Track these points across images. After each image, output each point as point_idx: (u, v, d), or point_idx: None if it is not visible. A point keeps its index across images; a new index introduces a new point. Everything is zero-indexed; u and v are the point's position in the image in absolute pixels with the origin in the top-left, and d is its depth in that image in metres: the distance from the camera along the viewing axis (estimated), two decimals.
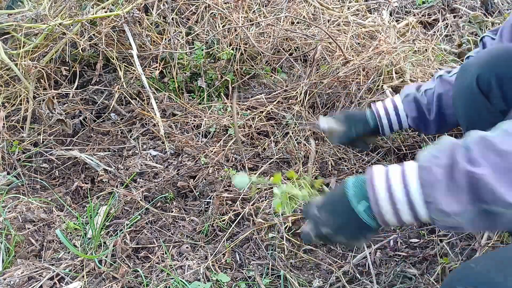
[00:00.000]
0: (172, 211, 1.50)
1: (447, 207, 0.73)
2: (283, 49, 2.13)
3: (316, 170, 1.63)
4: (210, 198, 1.52)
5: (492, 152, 0.72)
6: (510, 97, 0.82)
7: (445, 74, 1.39)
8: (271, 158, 1.68)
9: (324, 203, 0.89)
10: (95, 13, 1.89)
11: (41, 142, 1.78)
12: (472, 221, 0.73)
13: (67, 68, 1.95)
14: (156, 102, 1.84)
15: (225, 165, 1.64)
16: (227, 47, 2.02)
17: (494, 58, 1.18)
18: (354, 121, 1.49)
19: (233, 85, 1.99)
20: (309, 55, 2.07)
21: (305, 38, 2.13)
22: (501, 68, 1.14)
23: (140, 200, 1.51)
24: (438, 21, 2.44)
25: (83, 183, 1.66)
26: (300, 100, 1.84)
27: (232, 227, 1.43)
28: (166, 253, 1.34)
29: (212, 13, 2.11)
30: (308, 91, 1.87)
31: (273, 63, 2.08)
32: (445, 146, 0.76)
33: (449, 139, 0.78)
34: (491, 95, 1.14)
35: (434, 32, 2.31)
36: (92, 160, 1.67)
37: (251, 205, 1.47)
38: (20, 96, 1.87)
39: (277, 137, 1.78)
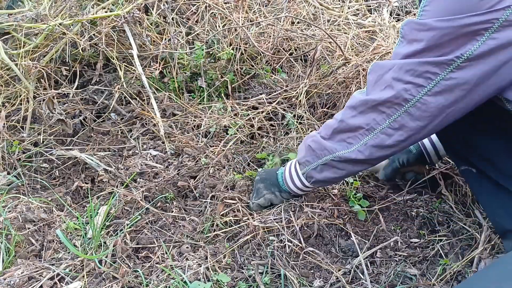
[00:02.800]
0: (172, 211, 1.50)
1: (298, 157, 1.34)
2: (283, 49, 2.13)
3: None
4: (210, 198, 1.52)
5: (324, 127, 1.27)
6: None
7: None
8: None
9: (265, 169, 1.57)
10: (95, 13, 1.89)
11: (41, 142, 1.78)
12: (316, 170, 1.29)
13: (67, 68, 1.95)
14: (156, 102, 1.84)
15: (226, 165, 1.64)
16: (227, 47, 2.01)
17: None
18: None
19: (233, 85, 1.99)
20: (309, 55, 2.07)
21: (305, 38, 2.13)
22: None
23: (140, 200, 1.51)
24: None
25: (83, 183, 1.66)
26: (300, 100, 1.84)
27: (232, 227, 1.43)
28: (166, 253, 1.34)
29: (212, 13, 2.11)
30: (308, 91, 1.87)
31: (273, 63, 2.08)
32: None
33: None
34: None
35: None
36: (92, 160, 1.67)
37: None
38: (20, 96, 1.86)
39: (278, 136, 1.79)
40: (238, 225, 1.42)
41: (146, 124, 1.87)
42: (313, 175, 1.31)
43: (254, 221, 1.40)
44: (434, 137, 1.49)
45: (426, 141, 1.50)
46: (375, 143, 1.15)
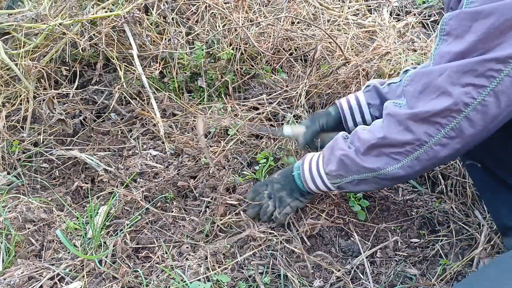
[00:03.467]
0: (172, 211, 1.50)
1: (327, 168, 1.25)
2: (283, 49, 2.13)
3: None
4: (211, 199, 1.52)
5: (357, 140, 1.16)
6: None
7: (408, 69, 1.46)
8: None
9: (280, 174, 1.44)
10: (95, 13, 1.88)
11: (41, 142, 1.78)
12: (351, 183, 1.19)
13: (67, 68, 1.95)
14: (156, 102, 1.84)
15: (226, 165, 1.64)
16: (227, 47, 2.01)
17: None
18: (318, 116, 1.57)
19: (233, 85, 1.99)
20: (309, 55, 2.07)
21: (305, 38, 2.13)
22: None
23: (140, 200, 1.51)
24: (438, 21, 2.44)
25: (83, 183, 1.66)
26: (300, 101, 1.84)
27: (233, 228, 1.43)
28: (166, 253, 1.34)
29: (212, 13, 2.11)
30: (308, 91, 1.87)
31: (273, 63, 2.08)
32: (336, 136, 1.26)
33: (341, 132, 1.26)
34: None
35: (434, 31, 2.31)
36: (92, 160, 1.67)
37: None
38: (20, 96, 1.86)
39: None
40: (240, 225, 1.42)
41: (146, 124, 1.87)
42: (347, 187, 1.23)
43: (255, 230, 1.39)
44: (354, 102, 1.50)
45: (345, 105, 1.51)
46: (429, 157, 1.04)
